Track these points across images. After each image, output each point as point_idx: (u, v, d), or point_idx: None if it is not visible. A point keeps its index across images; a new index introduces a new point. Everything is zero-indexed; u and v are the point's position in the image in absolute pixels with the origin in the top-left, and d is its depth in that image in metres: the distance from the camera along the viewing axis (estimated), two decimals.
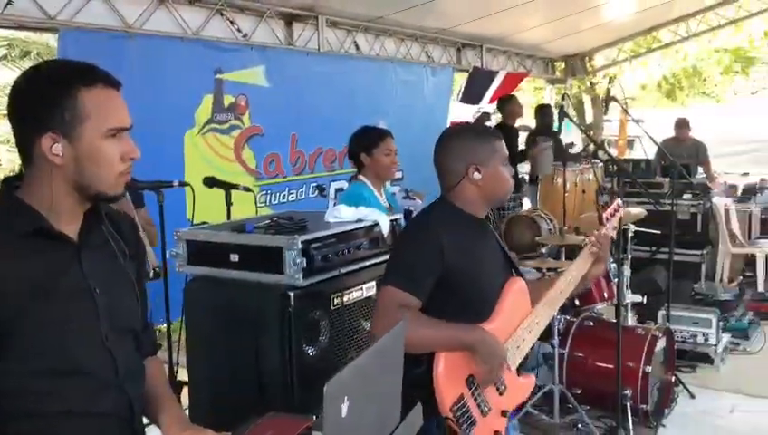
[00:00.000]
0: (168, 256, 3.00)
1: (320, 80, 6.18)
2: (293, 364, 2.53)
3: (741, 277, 7.12)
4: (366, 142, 3.60)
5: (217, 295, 2.72)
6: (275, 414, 1.94)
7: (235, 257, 2.64)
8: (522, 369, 2.34)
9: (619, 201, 2.67)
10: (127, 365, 1.62)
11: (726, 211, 7.06)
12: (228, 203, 3.40)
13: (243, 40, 5.63)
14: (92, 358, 1.55)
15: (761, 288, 6.81)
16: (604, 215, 2.55)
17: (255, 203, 3.62)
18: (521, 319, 2.27)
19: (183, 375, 3.04)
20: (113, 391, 1.59)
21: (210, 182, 3.47)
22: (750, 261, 7.12)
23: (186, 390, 2.96)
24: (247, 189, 3.55)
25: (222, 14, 5.47)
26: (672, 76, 20.53)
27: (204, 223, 3.18)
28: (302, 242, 2.50)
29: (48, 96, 1.48)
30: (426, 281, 2.09)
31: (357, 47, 6.88)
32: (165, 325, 3.39)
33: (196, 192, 3.32)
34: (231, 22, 5.55)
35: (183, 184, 3.24)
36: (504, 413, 2.20)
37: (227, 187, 3.43)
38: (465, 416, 2.06)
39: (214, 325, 2.71)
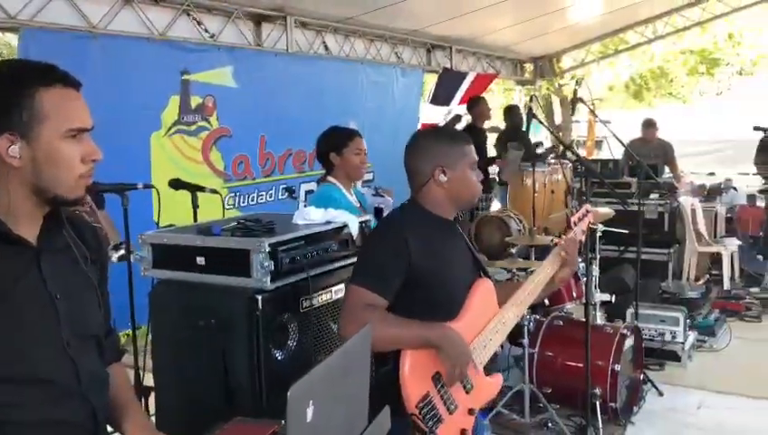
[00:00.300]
0: (132, 259, 2.95)
1: (289, 81, 6.15)
2: (262, 369, 2.50)
3: (707, 275, 7.24)
4: (335, 142, 3.58)
5: (184, 300, 2.67)
6: (241, 419, 1.92)
7: (201, 261, 2.60)
8: (492, 370, 2.35)
9: (587, 206, 2.69)
10: (90, 372, 1.58)
11: (693, 211, 7.17)
12: (195, 205, 3.35)
13: (210, 40, 5.58)
14: (53, 365, 1.51)
15: (726, 286, 6.93)
16: (572, 219, 2.57)
17: (223, 205, 3.57)
18: (488, 319, 2.28)
19: (150, 381, 2.99)
20: (76, 400, 1.55)
21: (176, 184, 3.42)
22: (716, 259, 7.24)
23: (153, 395, 2.91)
24: (214, 192, 3.50)
25: (189, 15, 5.42)
26: (639, 77, 20.84)
27: (171, 226, 3.13)
28: (269, 245, 2.47)
29: (5, 96, 1.45)
30: (393, 281, 2.11)
31: (326, 48, 6.86)
32: (130, 330, 3.33)
33: (162, 194, 3.27)
34: (198, 22, 5.49)
35: (148, 186, 3.18)
36: (470, 411, 2.21)
37: (193, 189, 3.38)
38: (431, 413, 2.06)
39: (180, 330, 2.67)
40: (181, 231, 2.83)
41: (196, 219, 3.38)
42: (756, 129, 6.81)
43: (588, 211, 2.65)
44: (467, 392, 2.20)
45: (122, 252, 3.00)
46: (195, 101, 5.37)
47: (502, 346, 3.17)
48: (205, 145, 5.46)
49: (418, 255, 2.12)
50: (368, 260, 2.19)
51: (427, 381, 2.09)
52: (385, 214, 4.15)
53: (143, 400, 3.22)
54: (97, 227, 1.87)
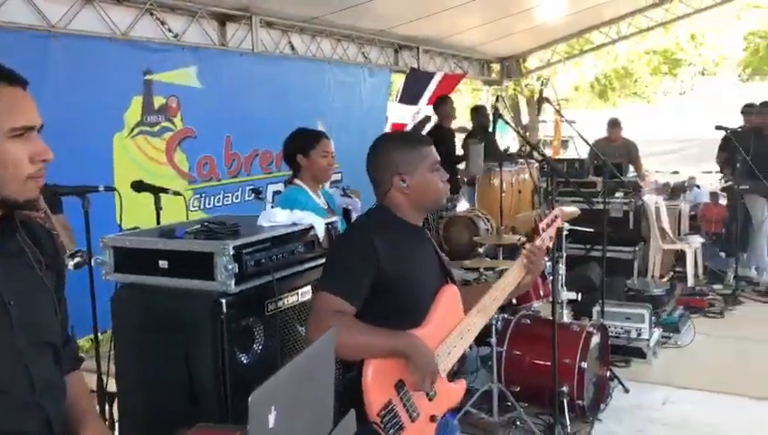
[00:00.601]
0: (93, 263, 2.88)
1: (255, 81, 6.10)
2: (226, 373, 2.47)
3: (672, 273, 7.35)
4: (302, 143, 3.55)
5: (147, 304, 2.63)
6: (204, 425, 1.89)
7: (164, 264, 2.55)
8: (459, 373, 2.35)
9: (556, 211, 2.66)
10: (45, 380, 1.54)
11: (657, 209, 7.27)
12: (158, 208, 3.30)
13: (174, 40, 5.50)
14: (6, 373, 1.47)
15: (690, 283, 7.04)
16: (540, 226, 2.55)
17: (186, 207, 3.52)
18: (453, 326, 2.27)
19: (114, 386, 2.93)
20: (30, 409, 1.51)
21: (138, 186, 3.36)
22: (680, 257, 7.35)
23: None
24: (177, 193, 3.45)
25: (152, 14, 5.34)
26: (603, 77, 21.14)
27: (135, 228, 3.07)
28: (233, 247, 2.44)
29: None
30: (361, 287, 2.09)
31: (292, 48, 6.82)
32: (93, 335, 3.27)
33: (125, 197, 3.21)
34: (161, 22, 5.42)
35: (109, 189, 3.12)
36: (432, 418, 2.20)
37: (156, 191, 3.32)
38: (393, 421, 2.05)
39: (143, 335, 2.62)
40: (143, 234, 2.78)
41: (159, 222, 3.33)
42: (718, 128, 6.92)
43: (557, 216, 2.64)
44: (430, 400, 2.19)
45: (78, 259, 2.94)
46: (158, 101, 5.30)
47: (471, 347, 3.17)
48: (169, 146, 5.39)
49: (386, 259, 2.10)
50: (335, 266, 2.17)
51: (390, 389, 2.08)
52: (353, 215, 4.15)
53: (107, 406, 3.17)
54: (54, 233, 1.82)
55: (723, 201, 8.49)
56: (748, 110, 7.72)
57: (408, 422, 2.09)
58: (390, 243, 2.14)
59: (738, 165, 6.78)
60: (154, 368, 2.61)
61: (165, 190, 3.37)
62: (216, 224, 2.66)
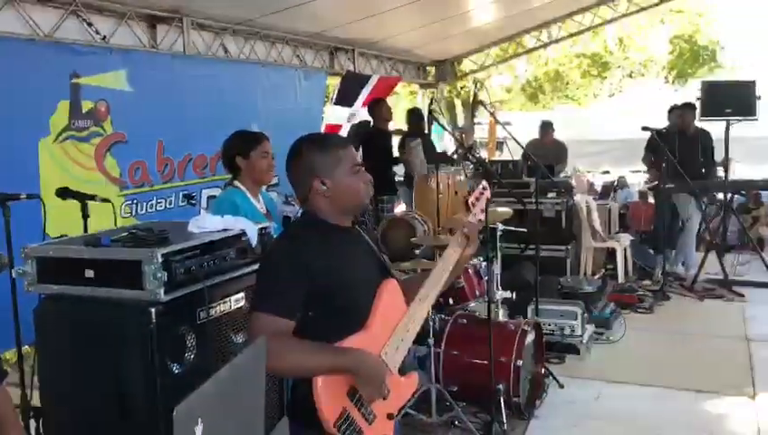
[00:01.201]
0: (14, 275, 2.77)
1: (187, 84, 5.97)
2: (158, 384, 2.41)
3: (603, 270, 7.55)
4: (241, 145, 3.50)
5: (72, 315, 2.54)
6: None
7: (90, 273, 2.47)
8: (403, 368, 2.33)
9: (483, 183, 2.64)
10: None
11: (588, 208, 7.46)
12: (85, 215, 3.20)
13: (102, 42, 5.34)
14: None
15: (621, 280, 7.25)
16: (470, 200, 2.53)
17: (114, 214, 3.42)
18: (398, 319, 2.25)
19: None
20: None
21: (64, 193, 3.26)
22: (610, 254, 7.56)
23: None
24: (105, 200, 3.35)
25: (78, 15, 5.17)
26: (535, 80, 21.61)
27: (63, 236, 2.97)
28: (162, 255, 2.38)
29: None
30: (294, 301, 2.05)
31: (225, 50, 6.72)
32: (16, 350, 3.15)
33: (52, 205, 3.11)
34: (88, 23, 5.25)
35: (32, 196, 3.01)
36: (389, 416, 2.20)
37: (83, 198, 3.22)
38: (351, 428, 2.04)
39: (70, 348, 2.54)
40: (67, 243, 2.69)
41: (86, 230, 3.23)
42: (644, 129, 7.15)
43: (485, 188, 2.62)
44: (384, 399, 2.18)
45: None
46: (86, 105, 5.13)
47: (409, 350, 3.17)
48: (98, 151, 5.22)
49: (318, 268, 2.07)
50: (266, 283, 2.12)
51: (343, 398, 2.05)
52: None
53: (34, 422, 3.05)
54: None
55: (651, 200, 8.78)
56: (673, 111, 8.02)
57: (365, 426, 2.09)
58: (319, 249, 2.11)
59: (664, 165, 7.01)
60: (81, 381, 2.53)
61: (92, 197, 3.28)
62: (143, 231, 2.60)
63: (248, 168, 3.48)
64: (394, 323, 2.23)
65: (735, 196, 8.32)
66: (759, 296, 6.94)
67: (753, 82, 8.12)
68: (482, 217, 2.57)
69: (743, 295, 6.92)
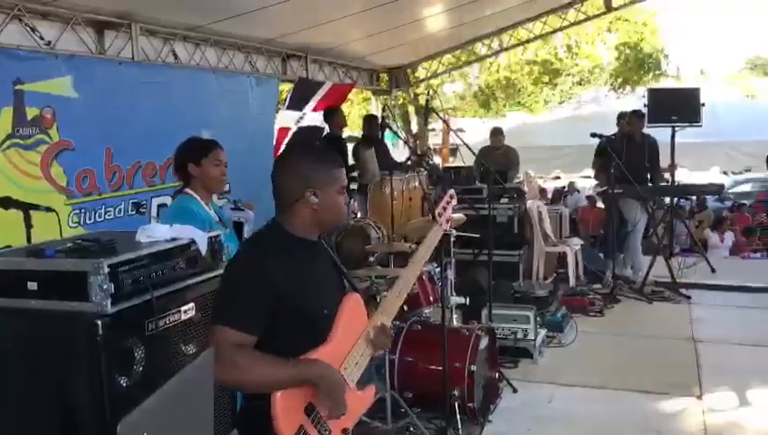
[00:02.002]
0: None
1: (136, 90, 5.86)
2: (105, 398, 2.35)
3: (554, 274, 7.66)
4: (194, 152, 3.45)
5: (14, 329, 2.46)
6: None
7: (33, 286, 2.40)
8: (359, 382, 2.32)
9: (450, 192, 2.67)
10: None
11: (539, 213, 7.57)
12: (28, 225, 3.11)
13: (46, 48, 5.21)
14: None
15: (572, 283, 7.37)
16: (437, 211, 2.56)
17: (60, 224, 3.33)
18: (358, 334, 2.26)
19: None
20: None
21: (6, 203, 3.16)
22: (562, 259, 7.67)
23: None
24: (49, 210, 3.26)
25: (20, 20, 5.03)
26: (487, 87, 21.88)
27: (6, 247, 2.88)
28: (108, 265, 2.33)
29: None
30: (257, 316, 2.04)
31: (175, 56, 6.61)
32: None
33: None
34: (32, 29, 5.11)
35: None
36: (344, 431, 2.20)
37: (26, 207, 3.13)
38: None
39: (12, 363, 2.45)
40: (9, 254, 2.61)
41: (30, 240, 3.14)
42: (593, 135, 7.30)
43: (452, 196, 2.65)
44: (341, 417, 2.17)
45: None
46: (31, 112, 4.98)
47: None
48: (44, 160, 5.07)
49: (282, 283, 2.06)
50: (229, 297, 2.10)
51: (299, 415, 2.05)
52: (246, 228, 4.05)
53: None
54: None
55: (600, 204, 8.95)
56: (621, 118, 8.21)
57: None
58: (285, 263, 2.10)
59: (612, 170, 7.16)
60: (25, 398, 2.45)
61: (36, 207, 3.19)
62: (89, 241, 2.54)
63: (200, 175, 3.43)
64: (355, 337, 2.24)
65: (681, 200, 8.54)
66: (704, 298, 7.14)
67: (698, 90, 8.37)
68: (447, 226, 2.62)
69: (689, 297, 7.11)
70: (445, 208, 2.61)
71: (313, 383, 2.05)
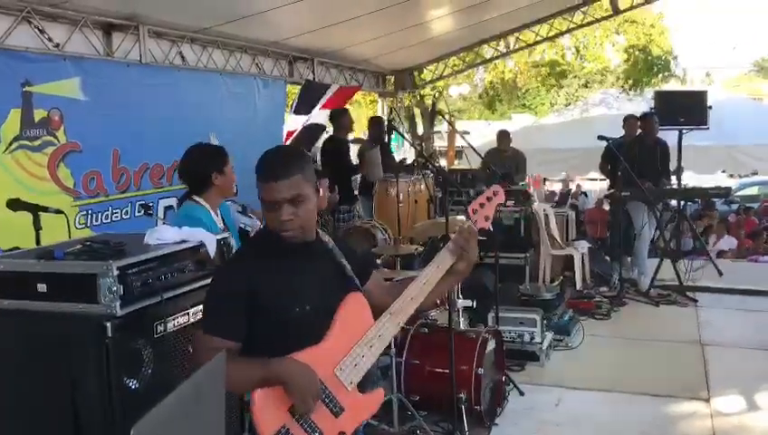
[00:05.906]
0: None
1: (143, 92, 5.88)
2: (114, 400, 2.35)
3: (561, 277, 7.63)
4: (216, 161, 3.41)
5: (24, 330, 2.47)
6: None
7: (42, 287, 2.41)
8: (367, 385, 2.29)
9: (495, 188, 2.41)
10: None
11: (546, 216, 7.55)
12: (37, 227, 3.12)
13: (54, 50, 5.22)
14: None
15: (579, 286, 7.34)
16: (470, 208, 2.34)
17: (68, 226, 3.33)
18: (361, 335, 2.20)
19: None
20: None
21: (15, 205, 3.17)
22: (568, 261, 7.64)
23: None
24: (58, 212, 3.27)
25: (29, 22, 5.05)
26: (492, 89, 21.87)
27: (15, 249, 2.89)
28: (117, 268, 2.34)
29: None
30: (236, 323, 2.09)
31: (183, 58, 6.63)
32: None
33: (3, 216, 3.02)
34: (40, 30, 5.13)
35: None
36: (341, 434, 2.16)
37: (35, 209, 3.14)
38: None
39: (21, 365, 2.47)
40: (18, 256, 2.62)
41: (39, 242, 3.14)
42: (600, 138, 7.27)
43: (495, 192, 2.40)
44: (337, 416, 2.14)
45: None
46: (39, 114, 5.00)
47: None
48: (51, 161, 5.09)
49: (266, 290, 2.09)
50: (210, 305, 2.15)
51: (283, 414, 2.04)
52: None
53: None
54: None
55: (607, 207, 8.92)
56: (628, 120, 8.18)
57: None
58: (269, 268, 2.12)
59: (619, 173, 7.13)
60: (34, 399, 2.46)
61: (45, 209, 3.20)
62: (98, 243, 2.54)
63: (223, 182, 3.42)
64: (355, 338, 2.19)
65: (688, 203, 8.51)
66: (712, 301, 7.11)
67: (705, 92, 8.34)
68: (485, 224, 2.35)
69: (696, 301, 7.08)
70: (482, 205, 2.35)
71: (280, 381, 2.04)
